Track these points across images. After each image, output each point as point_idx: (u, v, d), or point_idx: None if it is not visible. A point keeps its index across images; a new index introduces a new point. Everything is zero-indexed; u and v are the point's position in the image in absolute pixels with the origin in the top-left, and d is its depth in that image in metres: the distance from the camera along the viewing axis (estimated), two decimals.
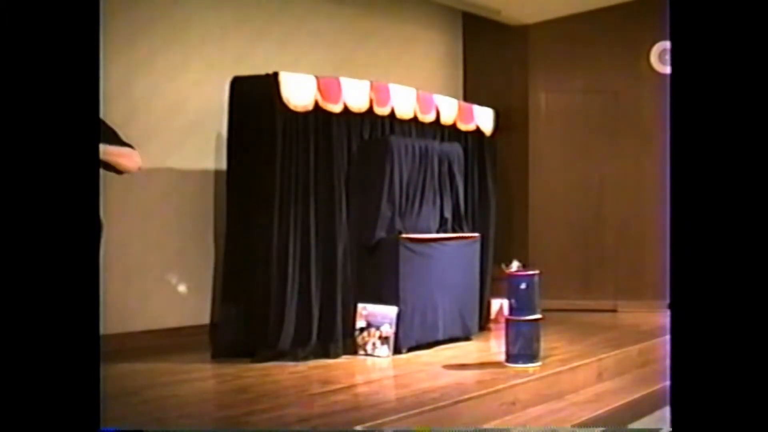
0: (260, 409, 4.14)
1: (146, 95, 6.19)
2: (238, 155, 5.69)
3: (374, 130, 6.08)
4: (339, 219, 5.71)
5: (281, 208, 5.45)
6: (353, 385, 4.88)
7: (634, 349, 6.04)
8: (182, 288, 6.34)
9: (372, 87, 6.04)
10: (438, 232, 6.33)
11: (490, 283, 6.96)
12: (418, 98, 6.45)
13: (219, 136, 6.25)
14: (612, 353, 5.78)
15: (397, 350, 5.69)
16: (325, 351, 5.56)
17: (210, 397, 4.77)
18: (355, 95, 5.89)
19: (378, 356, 5.63)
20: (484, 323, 6.90)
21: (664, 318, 6.62)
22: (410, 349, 5.79)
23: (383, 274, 5.82)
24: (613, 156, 8.43)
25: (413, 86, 6.53)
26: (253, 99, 5.60)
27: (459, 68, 8.84)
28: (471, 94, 8.39)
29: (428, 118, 6.53)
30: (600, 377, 5.45)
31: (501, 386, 4.68)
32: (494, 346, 6.15)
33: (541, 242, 8.29)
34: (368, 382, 5.06)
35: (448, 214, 6.47)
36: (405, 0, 8.21)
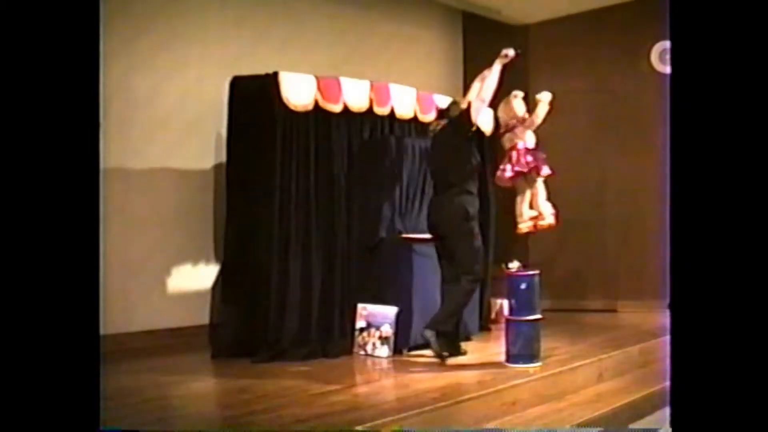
0: (260, 409, 4.13)
1: (146, 95, 6.18)
2: (238, 155, 5.68)
3: (374, 130, 6.07)
4: (339, 219, 5.71)
5: (281, 208, 5.45)
6: (353, 385, 4.87)
7: (634, 350, 6.03)
8: None
9: (372, 87, 6.04)
10: None
11: (490, 283, 6.95)
12: (418, 98, 6.44)
13: (219, 136, 6.25)
14: (612, 353, 5.77)
15: (397, 350, 5.68)
16: (325, 351, 5.55)
17: (210, 397, 4.77)
18: (355, 95, 5.89)
19: (378, 356, 5.63)
20: (484, 323, 6.90)
21: (664, 318, 6.61)
22: (410, 349, 5.79)
23: (383, 274, 5.82)
24: (614, 156, 8.41)
25: (413, 86, 6.52)
26: (253, 99, 5.60)
27: (459, 68, 8.84)
28: None
29: (428, 118, 6.52)
30: (600, 377, 5.44)
31: (501, 386, 4.67)
32: (494, 346, 6.13)
33: (541, 242, 8.28)
34: (368, 382, 5.06)
35: None
36: (405, 0, 8.20)
